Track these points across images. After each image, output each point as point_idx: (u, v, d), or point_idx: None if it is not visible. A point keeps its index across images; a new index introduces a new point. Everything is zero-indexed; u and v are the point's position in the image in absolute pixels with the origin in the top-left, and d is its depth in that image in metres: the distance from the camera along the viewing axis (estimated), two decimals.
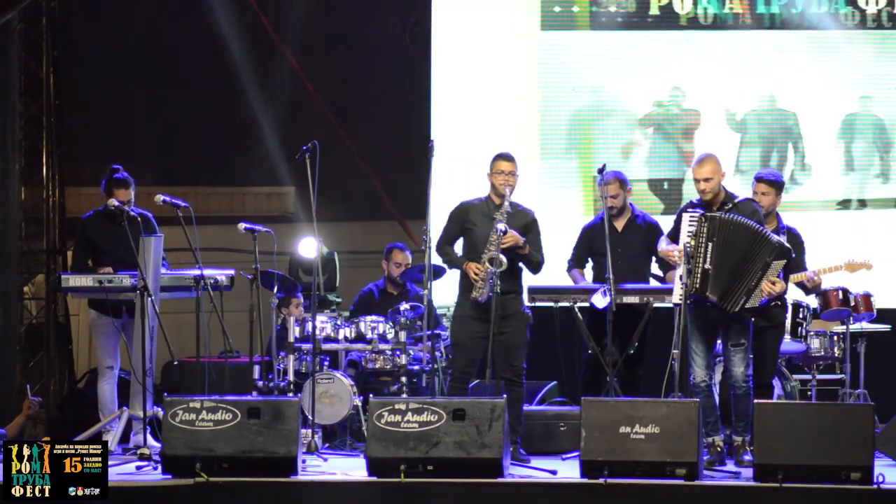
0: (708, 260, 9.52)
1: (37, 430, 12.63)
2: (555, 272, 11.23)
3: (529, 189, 12.43)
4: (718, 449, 9.59)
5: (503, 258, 9.86)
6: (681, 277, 9.76)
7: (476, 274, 9.92)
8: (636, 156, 13.03)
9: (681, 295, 9.56)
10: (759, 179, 10.55)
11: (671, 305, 10.70)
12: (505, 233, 9.85)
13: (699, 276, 9.51)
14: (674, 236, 9.82)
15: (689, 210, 9.71)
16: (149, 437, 9.98)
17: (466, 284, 10.06)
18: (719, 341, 9.81)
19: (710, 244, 9.52)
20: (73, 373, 13.72)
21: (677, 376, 10.33)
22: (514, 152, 10.26)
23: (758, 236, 9.56)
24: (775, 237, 9.67)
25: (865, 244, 12.17)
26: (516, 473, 9.17)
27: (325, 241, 12.11)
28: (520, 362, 9.98)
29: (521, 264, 10.14)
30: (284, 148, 13.35)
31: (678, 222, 9.78)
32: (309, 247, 11.89)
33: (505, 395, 9.27)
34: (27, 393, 11.87)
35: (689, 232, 9.59)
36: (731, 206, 9.66)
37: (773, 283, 9.54)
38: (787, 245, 9.69)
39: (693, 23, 13.00)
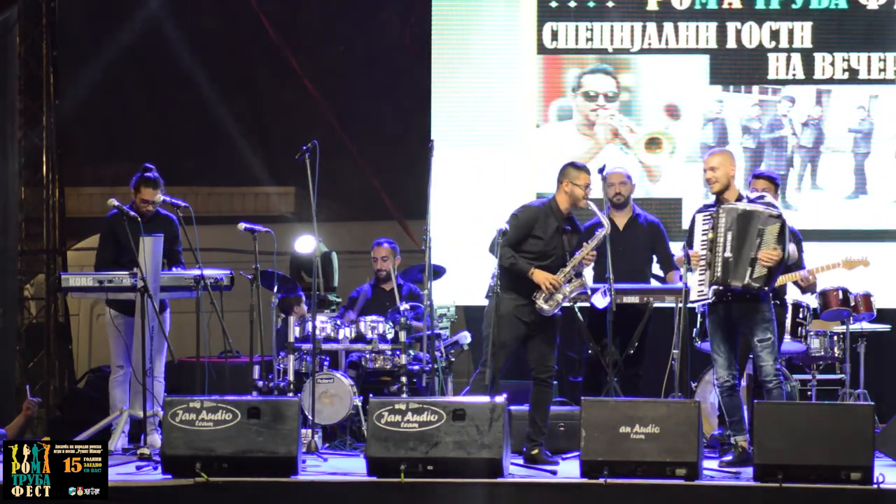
0: (728, 249, 9.46)
1: (37, 430, 12.64)
2: None
3: (529, 188, 12.46)
4: (740, 449, 9.57)
5: (584, 277, 9.81)
6: (680, 277, 9.74)
7: (552, 285, 9.68)
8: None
9: (697, 293, 9.53)
10: (756, 176, 10.53)
11: (672, 306, 10.74)
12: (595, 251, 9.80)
13: (720, 265, 9.45)
14: (690, 241, 9.75)
15: (702, 210, 9.65)
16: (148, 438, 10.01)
17: (518, 286, 9.72)
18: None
19: (729, 234, 9.46)
20: (74, 373, 13.72)
21: (677, 376, 10.34)
22: (514, 152, 10.25)
23: (756, 214, 9.49)
24: (764, 207, 9.52)
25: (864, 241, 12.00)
26: (516, 473, 9.17)
27: (325, 240, 12.12)
28: (553, 363, 9.89)
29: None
30: (284, 148, 13.34)
31: (692, 226, 9.72)
32: (306, 243, 11.89)
33: (505, 395, 9.20)
34: (27, 393, 11.86)
35: (703, 230, 9.54)
36: (748, 202, 9.59)
37: (773, 250, 9.40)
38: (776, 210, 9.51)
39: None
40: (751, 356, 10.02)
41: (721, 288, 9.51)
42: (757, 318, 9.55)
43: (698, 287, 9.57)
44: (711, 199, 9.73)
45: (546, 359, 9.86)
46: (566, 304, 9.94)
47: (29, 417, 11.72)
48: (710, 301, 9.57)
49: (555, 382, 11.67)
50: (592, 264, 9.97)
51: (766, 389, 9.59)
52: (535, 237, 9.76)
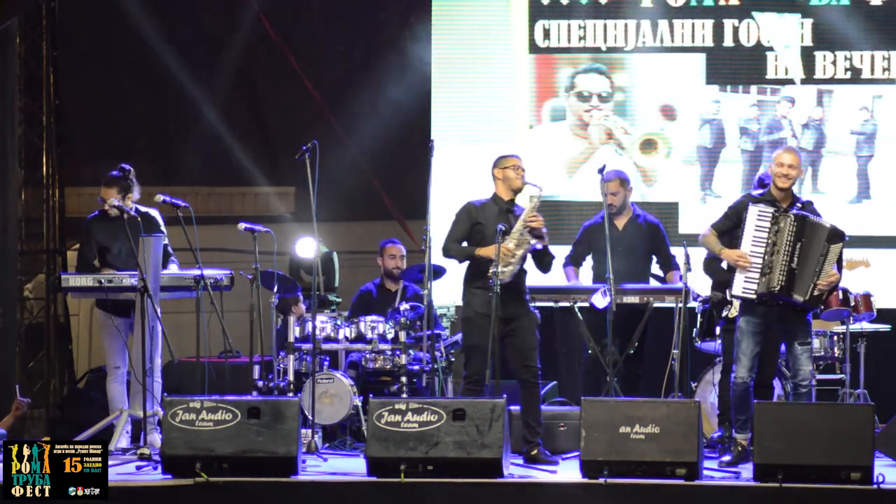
0: (795, 259, 9.40)
1: (37, 430, 12.63)
2: (553, 273, 11.20)
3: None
4: (740, 448, 9.56)
5: (531, 238, 9.74)
6: (680, 277, 9.68)
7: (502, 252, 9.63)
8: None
9: (743, 290, 9.41)
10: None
11: (672, 306, 10.73)
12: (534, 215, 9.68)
13: (784, 273, 9.38)
14: (728, 228, 9.61)
15: (757, 204, 9.48)
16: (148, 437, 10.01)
17: (476, 280, 9.81)
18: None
19: (799, 244, 9.39)
20: (73, 373, 13.71)
21: (677, 376, 10.35)
22: (514, 151, 10.22)
23: (824, 229, 9.43)
24: (828, 223, 9.49)
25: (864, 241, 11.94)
26: (516, 473, 9.18)
27: (324, 241, 12.11)
28: (534, 363, 9.81)
29: (524, 266, 9.98)
30: (284, 148, 13.35)
31: (738, 215, 9.50)
32: (307, 247, 11.89)
33: (504, 396, 9.21)
34: (16, 393, 11.82)
35: (760, 227, 9.41)
36: (802, 205, 9.53)
37: (834, 274, 9.41)
38: (840, 228, 9.48)
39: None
40: None
41: (778, 295, 9.43)
42: (802, 322, 9.56)
43: (744, 283, 9.43)
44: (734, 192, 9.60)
45: (527, 359, 9.81)
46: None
47: (18, 418, 11.67)
48: (751, 299, 9.48)
49: (554, 382, 11.73)
50: (543, 230, 9.75)
51: (799, 393, 9.57)
52: (478, 224, 9.83)
